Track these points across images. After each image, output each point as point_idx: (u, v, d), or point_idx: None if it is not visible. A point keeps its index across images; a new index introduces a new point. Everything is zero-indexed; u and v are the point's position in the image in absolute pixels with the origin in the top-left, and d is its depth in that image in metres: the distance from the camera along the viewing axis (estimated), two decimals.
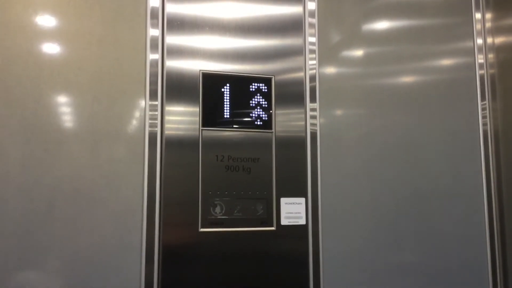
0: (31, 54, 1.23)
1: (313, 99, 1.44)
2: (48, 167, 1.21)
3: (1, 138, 1.19)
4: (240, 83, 1.37)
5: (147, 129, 1.29)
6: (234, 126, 1.36)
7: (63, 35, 1.26)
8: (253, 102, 1.38)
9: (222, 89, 1.36)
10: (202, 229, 1.30)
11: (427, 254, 1.50)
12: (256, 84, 1.39)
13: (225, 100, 1.36)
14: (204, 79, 1.34)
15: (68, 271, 1.20)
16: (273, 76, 1.40)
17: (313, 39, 1.47)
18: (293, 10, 1.46)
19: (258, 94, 1.38)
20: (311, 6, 1.48)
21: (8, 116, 1.19)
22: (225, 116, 1.35)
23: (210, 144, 1.33)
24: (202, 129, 1.33)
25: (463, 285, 1.52)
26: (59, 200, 1.21)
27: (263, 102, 1.38)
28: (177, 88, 1.32)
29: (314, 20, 1.48)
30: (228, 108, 1.36)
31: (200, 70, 1.34)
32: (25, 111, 1.21)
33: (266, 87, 1.39)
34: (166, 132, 1.30)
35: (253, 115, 1.37)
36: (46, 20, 1.26)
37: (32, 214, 1.19)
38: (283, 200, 1.36)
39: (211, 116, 1.34)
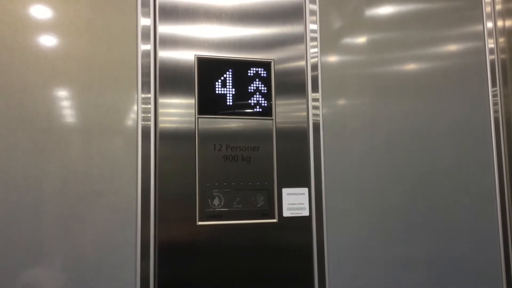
0: (16, 40, 1.17)
1: (315, 89, 1.39)
2: (35, 159, 1.16)
3: None
4: (238, 67, 1.32)
5: (140, 121, 1.24)
6: (232, 113, 1.30)
7: (50, 20, 1.21)
8: (252, 87, 1.32)
9: (219, 75, 1.30)
10: (200, 223, 1.25)
11: (436, 246, 1.45)
12: (255, 69, 1.33)
13: (222, 86, 1.30)
14: (199, 64, 1.29)
15: (59, 268, 1.15)
16: (272, 60, 1.34)
17: (314, 26, 1.42)
18: None
19: (257, 79, 1.33)
20: None
21: None
22: (223, 103, 1.30)
23: (207, 133, 1.28)
24: (198, 117, 1.27)
25: (475, 279, 1.47)
26: (48, 194, 1.16)
27: (263, 88, 1.33)
28: (171, 77, 1.27)
29: (315, 7, 1.43)
30: (225, 95, 1.30)
31: (195, 55, 1.29)
32: (10, 100, 1.15)
33: (265, 72, 1.34)
34: (161, 124, 1.25)
35: (252, 101, 1.32)
36: (31, 4, 1.20)
37: (20, 209, 1.14)
38: (285, 191, 1.31)
39: (207, 103, 1.29)
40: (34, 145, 1.16)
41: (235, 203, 1.28)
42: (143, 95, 1.25)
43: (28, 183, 1.15)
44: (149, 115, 1.25)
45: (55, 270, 1.15)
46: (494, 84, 1.57)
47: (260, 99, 1.32)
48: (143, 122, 1.24)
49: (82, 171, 1.18)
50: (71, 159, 1.18)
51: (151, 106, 1.25)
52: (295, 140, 1.35)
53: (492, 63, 1.58)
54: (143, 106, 1.24)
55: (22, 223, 1.13)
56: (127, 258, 1.19)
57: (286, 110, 1.35)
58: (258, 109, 1.32)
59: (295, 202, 1.31)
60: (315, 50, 1.41)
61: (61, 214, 1.16)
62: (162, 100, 1.26)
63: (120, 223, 1.19)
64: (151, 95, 1.25)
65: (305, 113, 1.37)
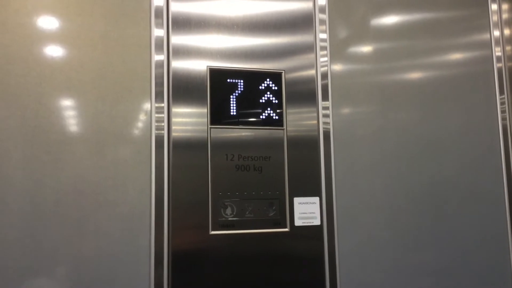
0: (31, 53, 1.19)
1: (325, 97, 1.40)
2: (50, 169, 1.17)
3: (1, 140, 1.15)
4: (249, 78, 1.33)
5: (154, 130, 1.25)
6: (244, 123, 1.31)
7: (64, 33, 1.23)
8: (264, 98, 1.33)
9: (231, 85, 1.32)
10: (213, 232, 1.25)
11: (446, 253, 1.45)
12: (266, 79, 1.34)
13: (234, 97, 1.31)
14: (211, 75, 1.30)
15: (74, 276, 1.16)
16: (283, 71, 1.36)
17: (324, 36, 1.43)
18: (303, 5, 1.42)
19: (269, 90, 1.34)
20: (321, 1, 1.44)
21: (8, 117, 1.16)
22: (234, 113, 1.31)
23: (219, 143, 1.29)
24: (210, 128, 1.29)
25: (486, 286, 1.47)
26: (63, 204, 1.17)
27: (274, 98, 1.34)
28: (184, 87, 1.29)
29: (325, 16, 1.44)
30: (237, 105, 1.31)
31: (207, 66, 1.30)
32: (26, 111, 1.17)
33: (276, 83, 1.35)
34: (174, 133, 1.26)
35: (264, 111, 1.33)
36: (46, 17, 1.22)
37: (35, 218, 1.15)
38: (296, 200, 1.32)
39: (219, 113, 1.30)
40: (49, 155, 1.17)
41: (247, 213, 1.28)
42: (156, 104, 1.26)
43: (43, 193, 1.16)
44: (162, 123, 1.26)
45: (69, 279, 1.16)
46: (501, 92, 1.57)
47: (271, 109, 1.33)
48: (156, 131, 1.25)
49: (96, 181, 1.20)
50: (85, 168, 1.19)
51: (165, 115, 1.27)
52: (306, 149, 1.36)
53: (500, 71, 1.58)
54: (156, 115, 1.26)
55: (37, 232, 1.15)
56: (141, 266, 1.20)
57: (296, 119, 1.36)
58: (269, 119, 1.33)
59: (306, 211, 1.31)
60: (325, 59, 1.42)
61: (75, 223, 1.17)
62: (175, 110, 1.27)
63: (134, 232, 1.21)
64: (165, 104, 1.27)
65: (315, 121, 1.38)
